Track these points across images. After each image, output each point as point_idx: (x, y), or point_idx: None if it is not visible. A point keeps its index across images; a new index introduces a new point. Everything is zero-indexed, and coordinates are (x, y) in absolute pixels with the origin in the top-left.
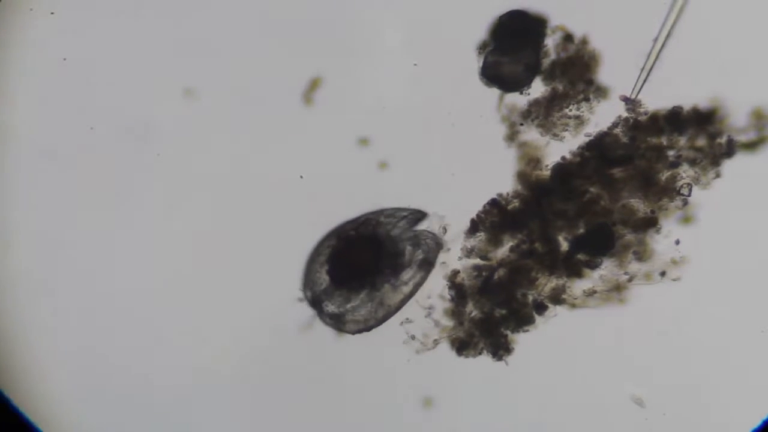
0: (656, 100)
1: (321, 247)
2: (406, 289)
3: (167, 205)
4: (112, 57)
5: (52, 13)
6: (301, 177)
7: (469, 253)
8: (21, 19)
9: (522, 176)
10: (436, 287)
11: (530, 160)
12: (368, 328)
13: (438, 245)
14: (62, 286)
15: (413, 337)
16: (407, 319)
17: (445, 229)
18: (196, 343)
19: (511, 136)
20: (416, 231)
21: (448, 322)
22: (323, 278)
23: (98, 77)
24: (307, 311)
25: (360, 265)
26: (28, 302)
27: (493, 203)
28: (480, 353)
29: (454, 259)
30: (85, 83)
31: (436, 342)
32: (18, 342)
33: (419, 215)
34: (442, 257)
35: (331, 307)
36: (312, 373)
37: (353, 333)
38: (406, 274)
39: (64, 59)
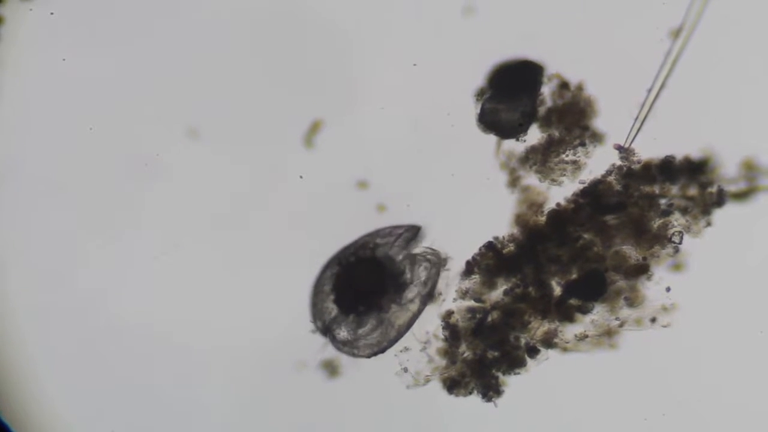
0: (649, 149)
1: (324, 277)
2: (413, 307)
3: (163, 232)
4: (111, 57)
5: (51, 14)
6: (301, 177)
7: (463, 294)
8: (21, 19)
9: (520, 219)
10: (431, 325)
11: (532, 204)
12: (382, 350)
13: (439, 259)
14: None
15: (406, 370)
16: (405, 348)
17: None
18: (198, 377)
19: (513, 182)
20: (414, 247)
21: (440, 361)
22: (331, 307)
23: (98, 78)
24: (318, 341)
25: (365, 288)
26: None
27: (489, 246)
28: (470, 393)
29: (449, 299)
30: (84, 84)
31: (427, 379)
32: (17, 368)
33: (415, 231)
34: (444, 273)
35: (343, 334)
36: (301, 411)
37: (368, 357)
38: (411, 292)
39: (64, 59)
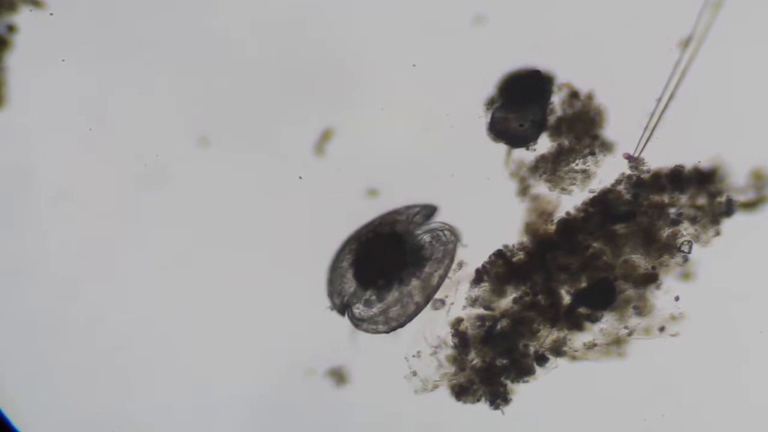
0: (659, 158)
1: (341, 254)
2: (432, 282)
3: (168, 239)
4: (111, 58)
5: (51, 14)
6: (300, 178)
7: (473, 302)
8: (21, 20)
9: (530, 228)
10: (442, 330)
11: (542, 213)
12: (401, 325)
13: (455, 236)
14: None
15: (415, 374)
16: (418, 352)
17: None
18: (204, 384)
19: (523, 191)
20: (431, 224)
21: (449, 368)
22: (350, 283)
23: (97, 78)
24: (345, 328)
25: (385, 263)
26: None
27: (499, 254)
28: (478, 400)
29: (458, 307)
30: (84, 84)
31: (435, 385)
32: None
33: (431, 210)
34: (461, 248)
35: (361, 310)
36: (308, 417)
37: (388, 332)
38: (430, 267)
39: (63, 60)
